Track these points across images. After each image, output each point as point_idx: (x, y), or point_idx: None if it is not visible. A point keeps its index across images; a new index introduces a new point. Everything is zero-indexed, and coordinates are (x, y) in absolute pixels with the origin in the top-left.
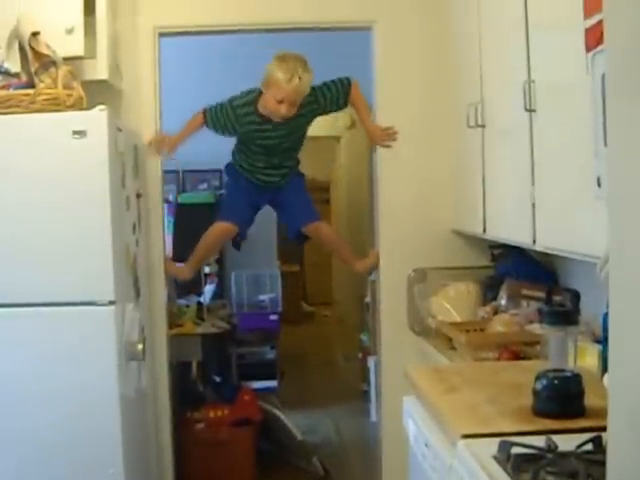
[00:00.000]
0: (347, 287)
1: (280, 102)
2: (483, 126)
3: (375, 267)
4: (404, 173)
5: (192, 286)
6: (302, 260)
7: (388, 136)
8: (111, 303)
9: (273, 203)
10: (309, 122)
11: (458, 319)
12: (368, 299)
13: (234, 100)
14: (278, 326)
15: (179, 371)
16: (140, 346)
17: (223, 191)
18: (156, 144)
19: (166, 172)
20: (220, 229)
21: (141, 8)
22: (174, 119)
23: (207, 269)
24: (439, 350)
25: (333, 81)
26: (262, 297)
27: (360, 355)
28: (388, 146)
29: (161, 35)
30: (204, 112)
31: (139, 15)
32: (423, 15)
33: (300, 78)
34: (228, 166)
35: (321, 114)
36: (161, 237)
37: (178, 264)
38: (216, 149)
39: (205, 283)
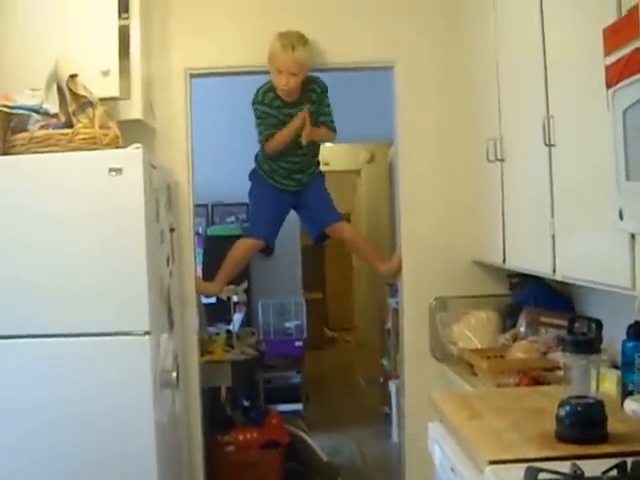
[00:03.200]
0: (368, 313)
1: (280, 72)
2: (502, 160)
3: (399, 270)
4: (425, 206)
5: (222, 315)
6: (324, 288)
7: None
8: (146, 333)
9: (296, 206)
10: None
11: (479, 346)
12: (389, 325)
13: (256, 96)
14: (303, 352)
15: (209, 396)
16: (174, 374)
17: (248, 201)
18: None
19: (196, 206)
20: (248, 245)
21: (173, 50)
22: (206, 157)
23: (235, 298)
24: (460, 376)
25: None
26: (288, 324)
27: (381, 379)
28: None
29: (192, 76)
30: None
31: (171, 57)
32: (443, 54)
33: (293, 47)
34: (252, 173)
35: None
36: (193, 269)
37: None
38: (243, 185)
39: (234, 312)
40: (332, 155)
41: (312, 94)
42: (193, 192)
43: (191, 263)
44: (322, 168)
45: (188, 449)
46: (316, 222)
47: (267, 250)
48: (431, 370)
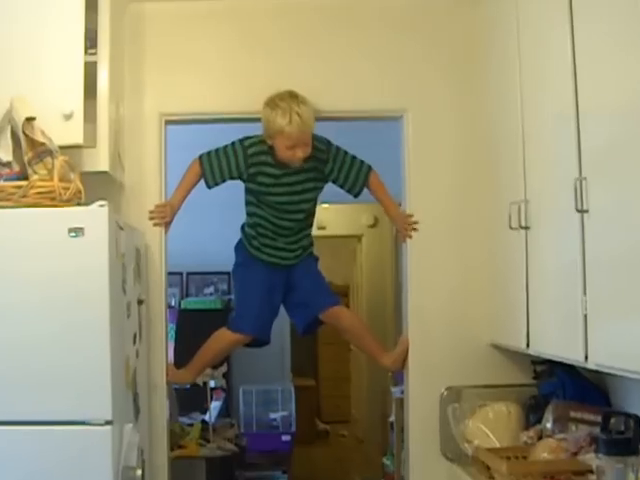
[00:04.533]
0: (367, 404)
1: (292, 148)
2: (527, 228)
3: (405, 361)
4: (436, 278)
5: (196, 403)
6: (317, 373)
7: (410, 224)
8: (108, 423)
9: (285, 293)
10: (317, 176)
11: (497, 445)
12: (392, 418)
13: (245, 139)
14: (291, 448)
15: None
16: (139, 472)
17: (232, 275)
18: (158, 213)
19: (169, 274)
20: (233, 339)
21: (146, 92)
22: (181, 218)
23: (212, 383)
24: (475, 479)
25: (355, 158)
26: (273, 415)
27: None
28: (409, 236)
29: (168, 122)
30: (200, 158)
31: (144, 100)
32: (458, 104)
33: (298, 114)
34: (238, 245)
35: (326, 177)
36: (164, 348)
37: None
38: (223, 251)
39: (211, 399)
40: (329, 218)
41: (318, 152)
42: (166, 258)
43: (162, 341)
44: (317, 232)
45: None
46: (307, 307)
47: (260, 343)
48: (441, 471)
